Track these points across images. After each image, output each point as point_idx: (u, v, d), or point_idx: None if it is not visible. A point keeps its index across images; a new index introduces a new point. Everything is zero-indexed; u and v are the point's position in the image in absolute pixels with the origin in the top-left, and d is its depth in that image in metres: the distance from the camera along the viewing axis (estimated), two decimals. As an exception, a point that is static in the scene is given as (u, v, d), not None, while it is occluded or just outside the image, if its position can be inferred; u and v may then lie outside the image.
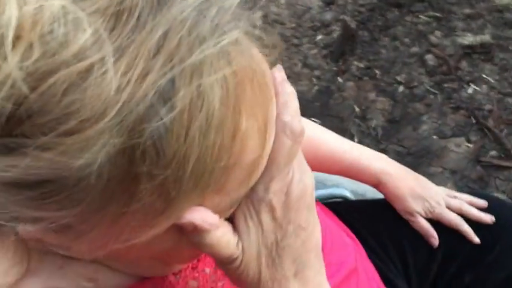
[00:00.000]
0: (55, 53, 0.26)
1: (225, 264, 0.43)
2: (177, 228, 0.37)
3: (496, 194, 2.31)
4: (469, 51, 2.76)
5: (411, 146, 2.63)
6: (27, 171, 0.29)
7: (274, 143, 0.41)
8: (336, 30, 3.00)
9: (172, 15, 0.30)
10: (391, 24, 2.94)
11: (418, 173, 2.60)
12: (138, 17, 0.29)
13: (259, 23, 0.38)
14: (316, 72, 3.01)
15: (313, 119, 2.94)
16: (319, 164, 0.87)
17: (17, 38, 0.25)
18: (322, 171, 0.90)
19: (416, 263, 0.92)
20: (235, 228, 0.42)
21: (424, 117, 2.67)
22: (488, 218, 0.95)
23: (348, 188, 1.11)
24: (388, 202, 0.94)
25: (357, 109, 2.91)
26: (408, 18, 2.93)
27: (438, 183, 2.42)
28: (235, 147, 0.33)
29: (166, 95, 0.29)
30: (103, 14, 0.28)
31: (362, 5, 3.04)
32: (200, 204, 0.35)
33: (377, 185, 0.90)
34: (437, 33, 2.85)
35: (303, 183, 0.44)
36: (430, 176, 2.53)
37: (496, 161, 2.41)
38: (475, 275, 0.91)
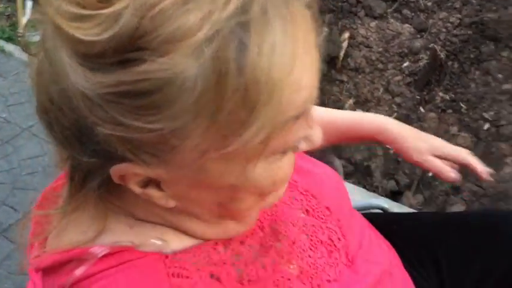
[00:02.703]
0: None
1: None
2: (244, 161, 0.44)
3: None
4: None
5: (489, 187, 2.46)
6: (144, 76, 0.38)
7: None
8: (424, 59, 2.91)
9: None
10: (484, 57, 2.80)
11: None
12: None
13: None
14: (398, 99, 2.93)
15: (387, 145, 2.86)
16: (336, 130, 0.91)
17: None
18: (340, 137, 0.92)
19: (452, 276, 0.90)
20: None
21: (508, 159, 2.49)
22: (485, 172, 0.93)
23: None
24: (424, 215, 0.92)
25: (435, 142, 2.78)
26: (504, 53, 2.76)
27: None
28: (296, 68, 0.42)
29: (246, 26, 0.39)
30: None
31: (455, 35, 2.92)
32: (274, 127, 0.43)
33: (383, 132, 0.92)
34: (535, 72, 2.66)
35: None
36: (507, 223, 2.35)
37: None
38: None
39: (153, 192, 0.48)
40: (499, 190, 2.43)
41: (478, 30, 2.86)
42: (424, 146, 0.91)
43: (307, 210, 0.67)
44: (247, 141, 0.41)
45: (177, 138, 0.41)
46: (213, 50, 0.38)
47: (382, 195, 2.71)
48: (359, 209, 1.08)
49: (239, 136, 0.41)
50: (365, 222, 0.85)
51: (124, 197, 0.52)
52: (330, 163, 0.95)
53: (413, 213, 1.03)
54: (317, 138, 0.52)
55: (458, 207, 2.47)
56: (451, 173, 0.89)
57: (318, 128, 0.53)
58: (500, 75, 2.73)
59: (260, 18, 0.39)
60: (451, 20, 3.00)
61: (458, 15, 2.99)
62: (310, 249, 0.64)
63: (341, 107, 2.97)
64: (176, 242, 0.55)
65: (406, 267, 0.84)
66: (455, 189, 2.58)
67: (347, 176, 2.84)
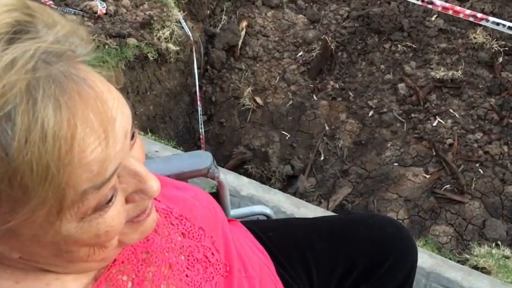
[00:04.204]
0: None
1: None
2: (47, 225, 0.46)
3: (444, 227, 2.41)
4: (440, 84, 2.86)
5: (372, 169, 2.72)
6: None
7: None
8: (317, 49, 3.08)
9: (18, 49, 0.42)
10: (369, 49, 3.03)
11: (374, 197, 2.69)
12: None
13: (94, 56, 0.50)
14: (293, 88, 3.09)
15: (283, 132, 3.03)
16: None
17: None
18: None
19: (319, 275, 1.04)
20: None
21: (389, 144, 2.76)
22: None
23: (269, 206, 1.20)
24: (296, 221, 1.04)
25: (327, 128, 2.99)
26: (386, 45, 3.01)
27: (391, 209, 2.52)
28: (75, 150, 0.44)
29: (8, 116, 0.41)
30: None
31: (344, 27, 3.12)
32: (62, 199, 0.45)
33: None
34: (412, 63, 2.94)
35: None
36: (385, 201, 2.63)
37: (449, 195, 2.50)
38: (369, 285, 1.05)
39: None
40: (380, 172, 2.70)
41: (364, 23, 3.08)
42: None
43: (183, 233, 0.74)
44: (29, 215, 0.44)
45: None
46: None
47: (279, 180, 2.88)
48: (244, 216, 1.19)
49: (18, 213, 0.44)
50: (242, 232, 0.95)
51: None
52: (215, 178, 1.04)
53: (287, 219, 1.15)
54: (153, 191, 0.54)
55: (346, 189, 2.70)
56: None
57: (153, 180, 0.54)
58: (382, 66, 2.99)
59: (26, 109, 0.41)
60: (340, 13, 3.19)
61: (347, 8, 3.18)
62: (188, 268, 0.71)
63: (240, 95, 3.08)
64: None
65: (279, 271, 0.95)
66: (344, 172, 2.81)
67: (247, 162, 2.97)
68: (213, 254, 0.77)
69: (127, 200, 0.54)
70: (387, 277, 1.02)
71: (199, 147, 3.03)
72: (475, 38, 2.92)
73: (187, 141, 3.08)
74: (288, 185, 2.87)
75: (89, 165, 0.45)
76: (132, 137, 0.53)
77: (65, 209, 0.46)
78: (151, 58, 2.64)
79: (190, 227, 0.77)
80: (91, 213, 0.49)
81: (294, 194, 2.64)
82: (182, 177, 1.00)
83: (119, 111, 0.49)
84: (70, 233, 0.49)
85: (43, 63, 0.43)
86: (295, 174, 2.87)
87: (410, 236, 1.05)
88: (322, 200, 2.72)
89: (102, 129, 0.46)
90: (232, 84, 3.11)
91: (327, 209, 2.50)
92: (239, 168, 2.93)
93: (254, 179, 2.34)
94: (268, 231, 1.03)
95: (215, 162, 1.03)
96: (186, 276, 0.71)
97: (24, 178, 0.42)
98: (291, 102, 3.06)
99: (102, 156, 0.46)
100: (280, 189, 2.42)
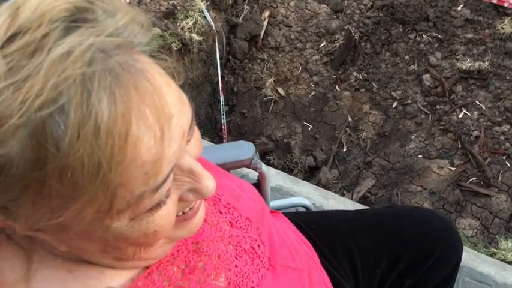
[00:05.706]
0: None
1: None
2: (97, 222, 0.45)
3: (469, 220, 2.38)
4: (466, 76, 2.81)
5: (396, 161, 2.69)
6: None
7: None
8: (340, 39, 3.05)
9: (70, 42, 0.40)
10: (393, 39, 2.99)
11: (398, 189, 2.66)
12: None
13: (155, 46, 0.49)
14: (315, 78, 3.06)
15: (306, 123, 3.01)
16: None
17: None
18: None
19: (364, 268, 1.04)
20: None
21: (413, 136, 2.73)
22: None
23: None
24: (340, 214, 1.04)
25: (349, 119, 2.97)
26: (411, 36, 2.97)
27: (415, 202, 2.50)
28: (129, 147, 0.42)
29: (61, 109, 0.39)
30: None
31: (368, 17, 3.08)
32: (113, 198, 0.43)
33: None
34: (438, 54, 2.90)
35: None
36: (409, 193, 2.60)
37: (475, 188, 2.47)
38: (414, 280, 1.05)
39: (42, 235, 0.49)
40: (404, 164, 2.67)
41: (389, 13, 3.04)
42: None
43: (231, 223, 0.74)
44: (78, 212, 0.43)
45: (14, 206, 0.44)
46: (29, 134, 0.39)
47: (301, 171, 2.87)
48: (283, 207, 1.18)
49: (67, 209, 0.43)
50: (285, 224, 0.94)
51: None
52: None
53: (329, 211, 1.15)
54: (208, 190, 0.52)
55: (369, 181, 2.68)
56: None
57: (209, 179, 0.52)
58: (407, 57, 2.95)
59: (80, 102, 0.39)
60: (364, 2, 3.15)
61: (371, -2, 3.14)
62: (236, 258, 0.71)
63: (262, 86, 3.06)
64: (114, 277, 0.57)
65: (323, 264, 0.95)
66: (367, 164, 2.79)
67: (269, 153, 2.96)
68: (259, 246, 0.77)
69: (180, 199, 0.52)
70: (432, 272, 1.00)
71: (221, 138, 3.02)
72: (502, 28, 2.86)
73: (209, 132, 3.07)
74: (310, 176, 2.86)
75: (143, 165, 0.43)
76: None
77: (118, 210, 0.44)
78: (175, 48, 2.63)
79: (237, 216, 0.76)
80: (143, 212, 0.47)
81: (316, 186, 2.62)
82: (224, 167, 0.99)
83: (177, 108, 0.46)
84: (120, 230, 0.48)
85: (100, 54, 0.41)
86: (318, 165, 2.85)
87: (456, 230, 1.04)
88: (345, 192, 2.71)
89: (158, 127, 0.43)
90: (254, 75, 3.09)
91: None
92: (261, 159, 2.92)
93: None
94: (311, 224, 1.02)
95: (257, 153, 1.02)
96: (235, 266, 0.70)
97: (74, 175, 0.41)
98: (313, 93, 3.04)
99: (157, 156, 0.44)
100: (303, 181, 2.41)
